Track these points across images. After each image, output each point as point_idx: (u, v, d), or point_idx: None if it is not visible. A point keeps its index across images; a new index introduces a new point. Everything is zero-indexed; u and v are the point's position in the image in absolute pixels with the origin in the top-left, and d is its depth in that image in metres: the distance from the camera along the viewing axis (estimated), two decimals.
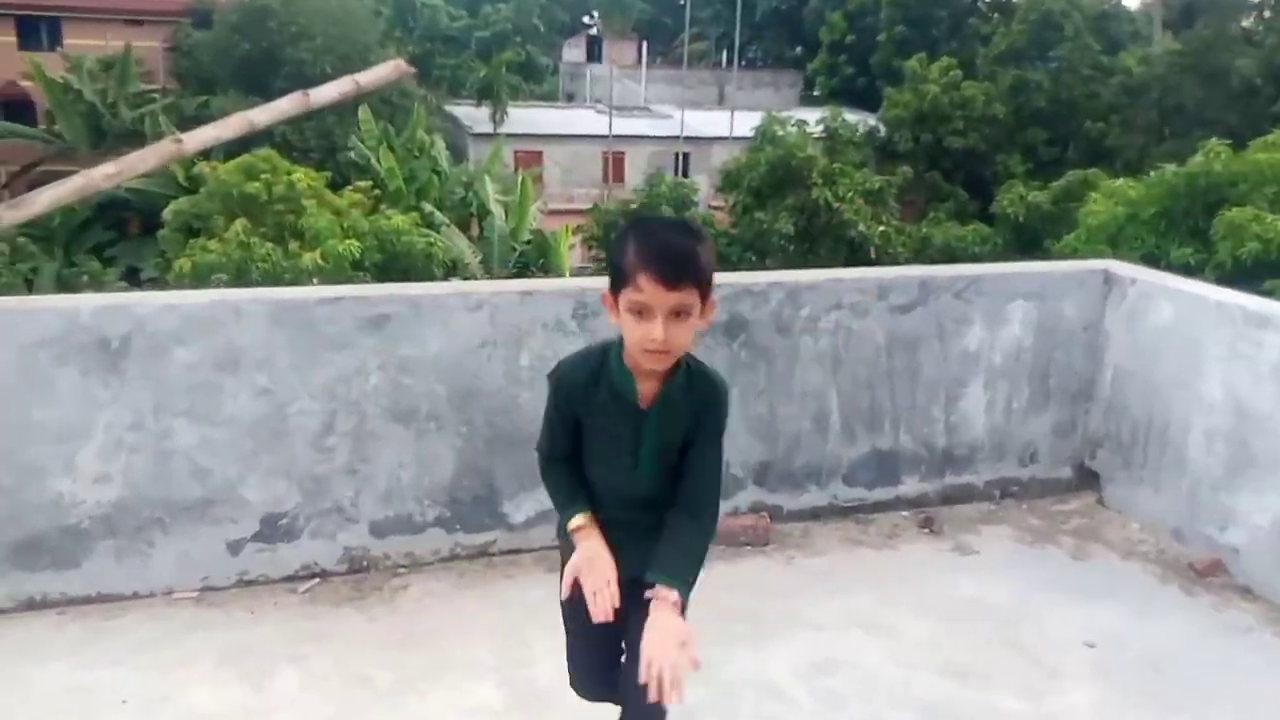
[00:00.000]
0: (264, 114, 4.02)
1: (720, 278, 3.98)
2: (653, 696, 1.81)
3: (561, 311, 3.69)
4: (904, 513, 4.22)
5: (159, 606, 3.35)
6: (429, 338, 3.47)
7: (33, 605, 3.28)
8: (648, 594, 1.96)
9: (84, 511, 3.26)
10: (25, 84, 30.81)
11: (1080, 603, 3.58)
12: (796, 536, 4.00)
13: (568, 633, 2.29)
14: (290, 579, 3.51)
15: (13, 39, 33.06)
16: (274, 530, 3.46)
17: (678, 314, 1.85)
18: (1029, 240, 16.61)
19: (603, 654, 2.24)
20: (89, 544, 3.29)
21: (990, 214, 17.47)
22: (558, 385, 2.04)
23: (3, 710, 2.79)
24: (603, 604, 1.95)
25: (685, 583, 1.99)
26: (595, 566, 2.00)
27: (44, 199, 3.30)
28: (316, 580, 3.52)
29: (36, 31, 33.64)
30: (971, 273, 4.19)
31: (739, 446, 3.95)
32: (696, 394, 2.01)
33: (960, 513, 4.27)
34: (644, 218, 2.10)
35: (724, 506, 3.93)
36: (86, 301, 3.20)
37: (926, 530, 4.12)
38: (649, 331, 1.84)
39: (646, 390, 1.99)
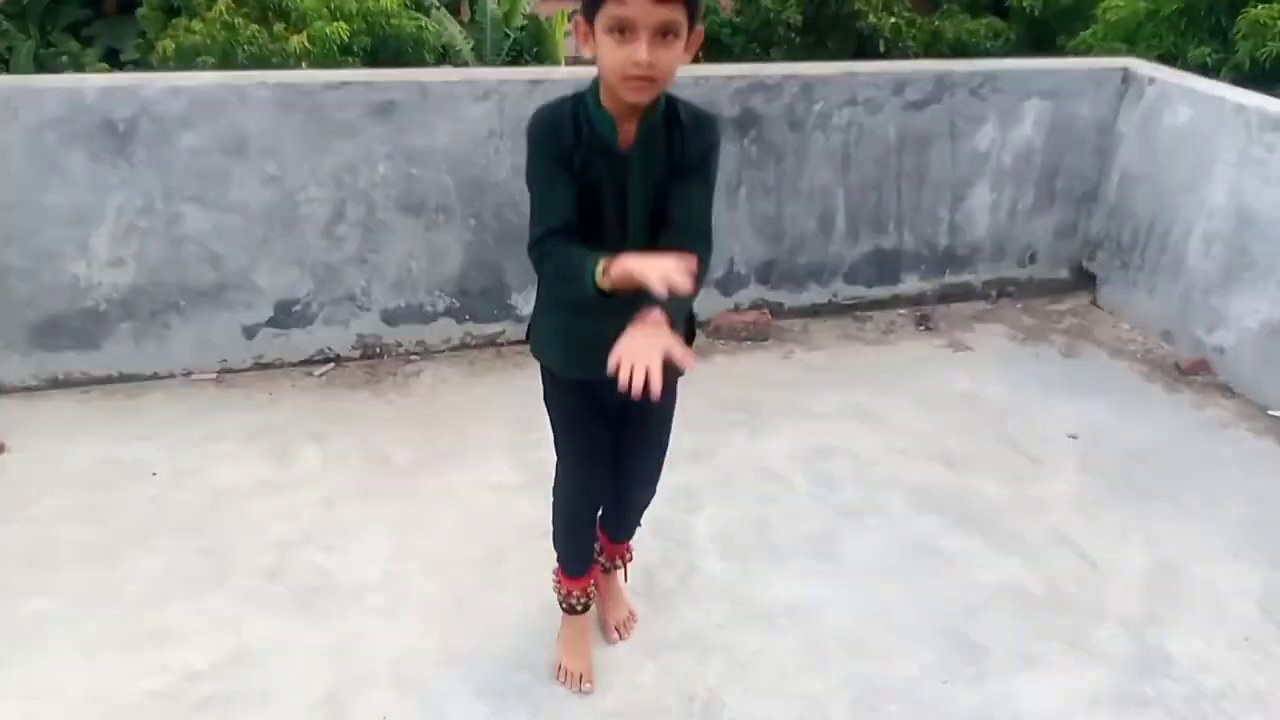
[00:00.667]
0: None
1: (732, 69, 3.93)
2: (623, 385, 1.55)
3: None
4: (902, 310, 4.31)
5: (179, 387, 3.47)
6: (437, 127, 3.43)
7: (57, 383, 3.39)
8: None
9: (100, 294, 3.32)
10: None
11: (1067, 398, 3.72)
12: (796, 332, 4.10)
13: (569, 421, 2.12)
14: (306, 363, 3.62)
15: None
16: (288, 316, 3.54)
17: (664, 34, 1.65)
18: (1045, 36, 15.95)
19: (601, 452, 2.14)
20: (107, 326, 3.37)
21: (1005, 6, 16.72)
22: (541, 132, 1.79)
23: (40, 480, 2.94)
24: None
25: (667, 307, 1.65)
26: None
27: None
28: (331, 365, 3.63)
29: None
30: (989, 69, 4.09)
31: (743, 244, 3.99)
32: (682, 130, 1.81)
33: (957, 311, 4.36)
34: None
35: (725, 302, 4.04)
36: (91, 82, 3.13)
37: (923, 327, 4.22)
38: (632, 54, 1.64)
39: (626, 133, 1.79)
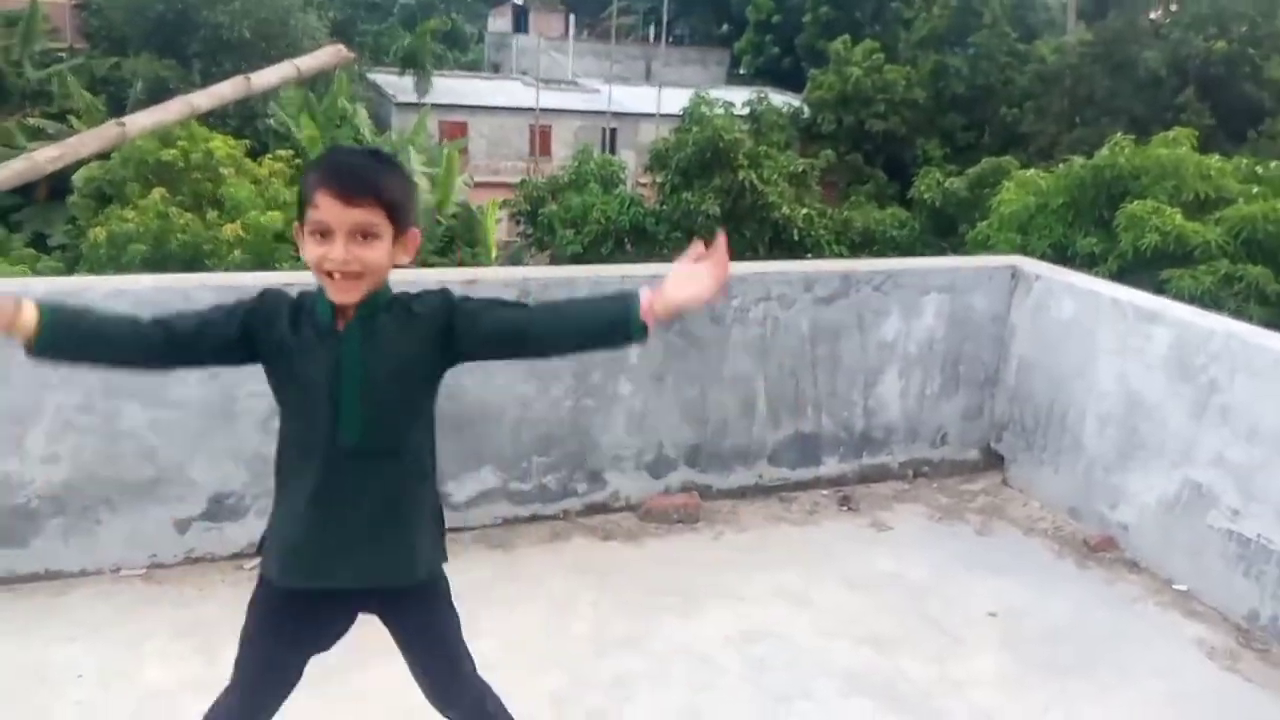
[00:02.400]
0: (205, 98, 4.05)
1: (655, 268, 4.19)
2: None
3: (505, 297, 3.83)
4: (824, 491, 4.48)
5: (107, 583, 3.42)
6: None
7: None
8: (643, 294, 1.85)
9: (32, 491, 3.32)
10: None
11: (985, 576, 3.87)
12: (725, 513, 4.23)
13: (252, 628, 2.08)
14: (236, 556, 3.61)
15: None
16: (221, 509, 3.55)
17: (363, 235, 1.75)
18: (945, 225, 17.16)
19: (281, 685, 2.08)
20: (37, 522, 3.35)
21: (909, 197, 17.96)
22: (262, 293, 1.88)
23: None
24: None
25: (635, 297, 1.86)
26: None
27: None
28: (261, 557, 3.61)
29: None
30: (889, 267, 4.45)
31: (671, 427, 4.16)
32: (423, 316, 1.87)
33: (876, 491, 4.55)
34: (331, 147, 2.07)
35: (655, 485, 4.17)
36: (36, 285, 3.24)
37: (845, 508, 4.39)
38: (329, 251, 1.74)
39: (343, 317, 1.84)
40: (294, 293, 1.90)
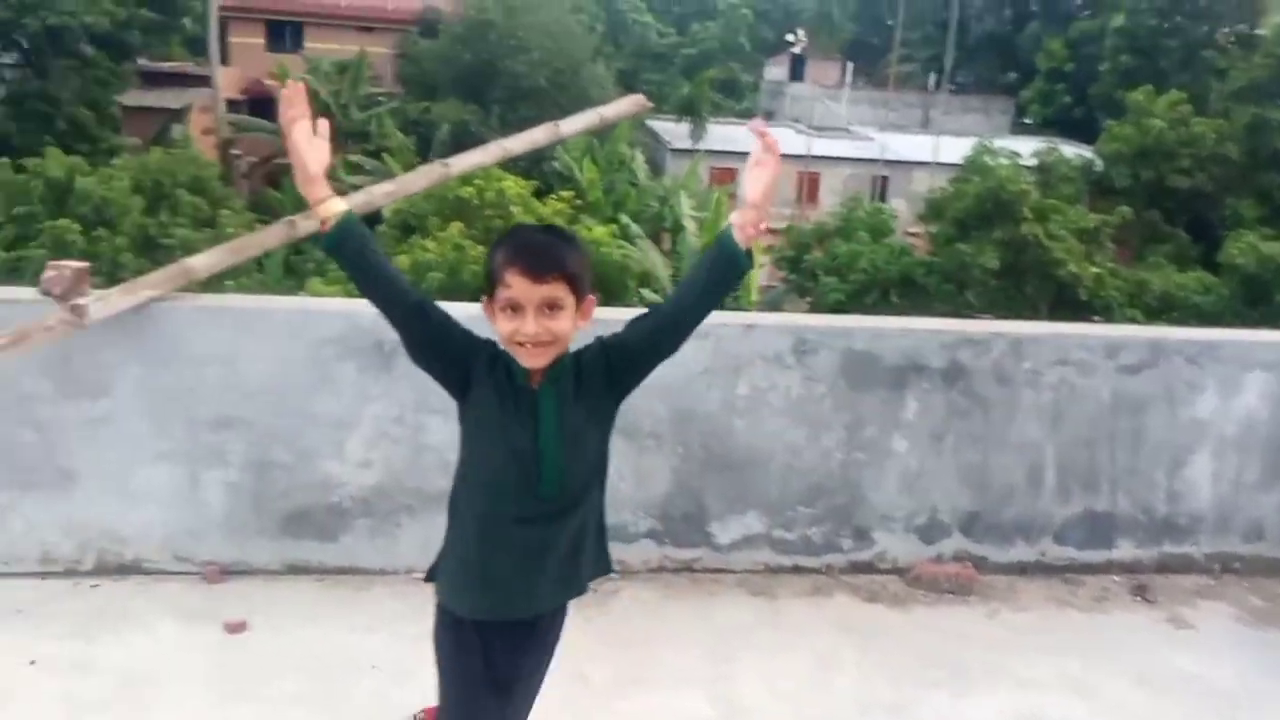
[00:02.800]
0: (518, 143, 4.34)
1: (939, 323, 4.07)
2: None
3: (780, 346, 3.84)
4: (1116, 577, 4.13)
5: (401, 584, 3.70)
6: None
7: (296, 570, 3.69)
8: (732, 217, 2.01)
9: (346, 492, 3.65)
10: (271, 83, 33.61)
11: None
12: (1001, 589, 3.99)
13: (452, 661, 2.17)
14: None
15: (261, 41, 36.09)
16: None
17: (550, 307, 1.91)
18: (1259, 293, 15.49)
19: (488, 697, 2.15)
20: (348, 521, 3.68)
21: (1215, 261, 16.38)
22: (477, 340, 2.04)
23: (275, 662, 3.17)
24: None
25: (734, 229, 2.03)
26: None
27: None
28: None
29: (282, 35, 36.54)
30: (1207, 337, 4.07)
31: (947, 492, 3.98)
32: (591, 371, 2.02)
33: (1176, 583, 4.13)
34: (515, 226, 2.16)
35: (926, 551, 4.01)
36: (367, 306, 3.57)
37: (1139, 598, 4.01)
38: (520, 325, 1.91)
39: (535, 379, 2.00)
40: (493, 346, 2.05)
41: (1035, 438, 3.99)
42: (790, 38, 57.54)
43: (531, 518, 2.03)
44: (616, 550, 3.84)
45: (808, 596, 3.83)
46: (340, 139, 29.56)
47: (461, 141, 27.49)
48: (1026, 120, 43.04)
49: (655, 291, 21.11)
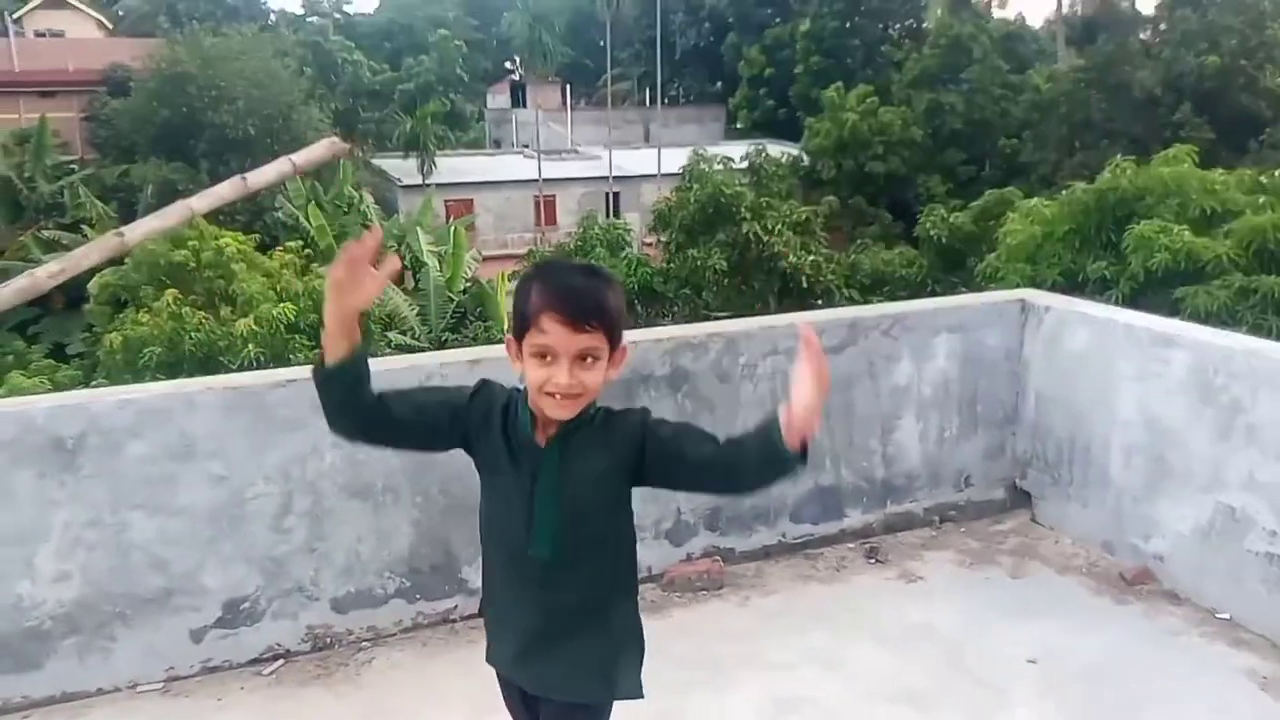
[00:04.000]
0: (203, 201, 4.09)
1: (661, 332, 4.17)
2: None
3: (510, 379, 3.80)
4: (850, 545, 4.38)
5: (124, 701, 3.36)
6: None
7: None
8: (782, 417, 1.78)
9: (44, 611, 3.27)
10: None
11: (1021, 620, 3.75)
12: (750, 576, 4.14)
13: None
14: (255, 661, 3.54)
15: None
16: (236, 614, 3.50)
17: (584, 358, 1.77)
18: (953, 260, 17.15)
19: None
20: (51, 644, 3.29)
21: (915, 236, 17.99)
22: (481, 385, 1.93)
23: None
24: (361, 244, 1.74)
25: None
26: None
27: None
28: (281, 661, 3.55)
29: None
30: (897, 310, 4.40)
31: (688, 493, 4.08)
32: (621, 437, 1.87)
33: (903, 540, 4.44)
34: (549, 261, 2.09)
35: (676, 553, 4.09)
36: (40, 403, 3.24)
37: (873, 560, 4.28)
38: (553, 375, 1.75)
39: (544, 432, 1.86)
40: (503, 394, 1.92)
41: None
42: (509, 64, 57.96)
43: (527, 578, 1.91)
44: (366, 616, 3.70)
45: None
46: (29, 215, 26.94)
47: (168, 201, 25.75)
48: (738, 125, 45.61)
49: (403, 333, 20.63)
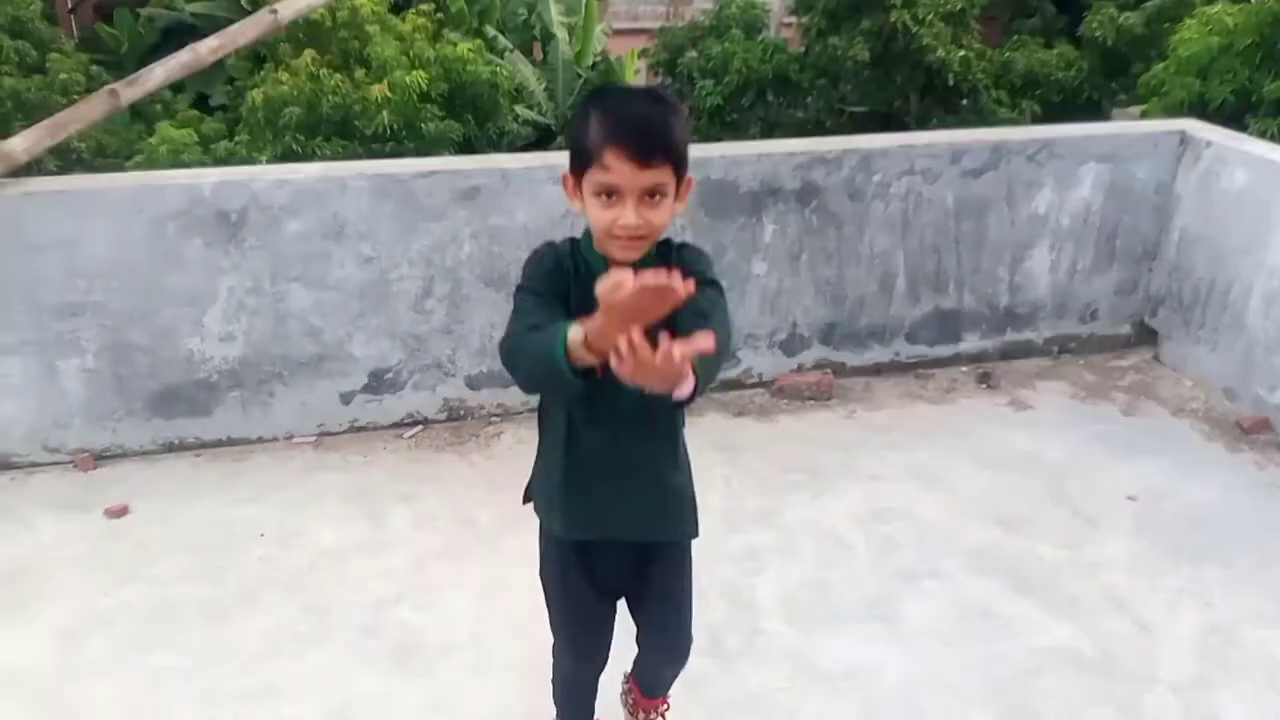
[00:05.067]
0: None
1: (793, 144, 4.11)
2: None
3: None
4: (963, 368, 4.43)
5: (281, 450, 3.76)
6: (516, 208, 3.68)
7: (172, 448, 3.71)
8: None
9: (213, 366, 3.63)
10: None
11: (1126, 458, 3.80)
12: (859, 391, 4.25)
13: (555, 583, 2.08)
14: (396, 425, 3.89)
15: None
16: (380, 383, 3.81)
17: (651, 194, 1.63)
18: (1118, 65, 15.80)
19: (600, 631, 2.10)
20: (218, 394, 3.67)
21: (1079, 35, 16.59)
22: (539, 263, 1.78)
23: (161, 541, 3.24)
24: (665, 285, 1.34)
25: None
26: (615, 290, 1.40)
27: (156, 75, 3.50)
28: (420, 427, 3.89)
29: None
30: (1045, 135, 4.21)
31: (805, 308, 4.16)
32: (686, 264, 1.74)
33: (1018, 368, 4.46)
34: (608, 87, 1.80)
35: (788, 363, 4.21)
36: (207, 176, 3.46)
37: (984, 385, 4.33)
38: (619, 216, 1.62)
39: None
40: (565, 247, 1.79)
41: (886, 247, 4.15)
42: None
43: (612, 429, 1.84)
44: (496, 395, 3.98)
45: None
46: None
47: None
48: None
49: (530, 107, 20.47)
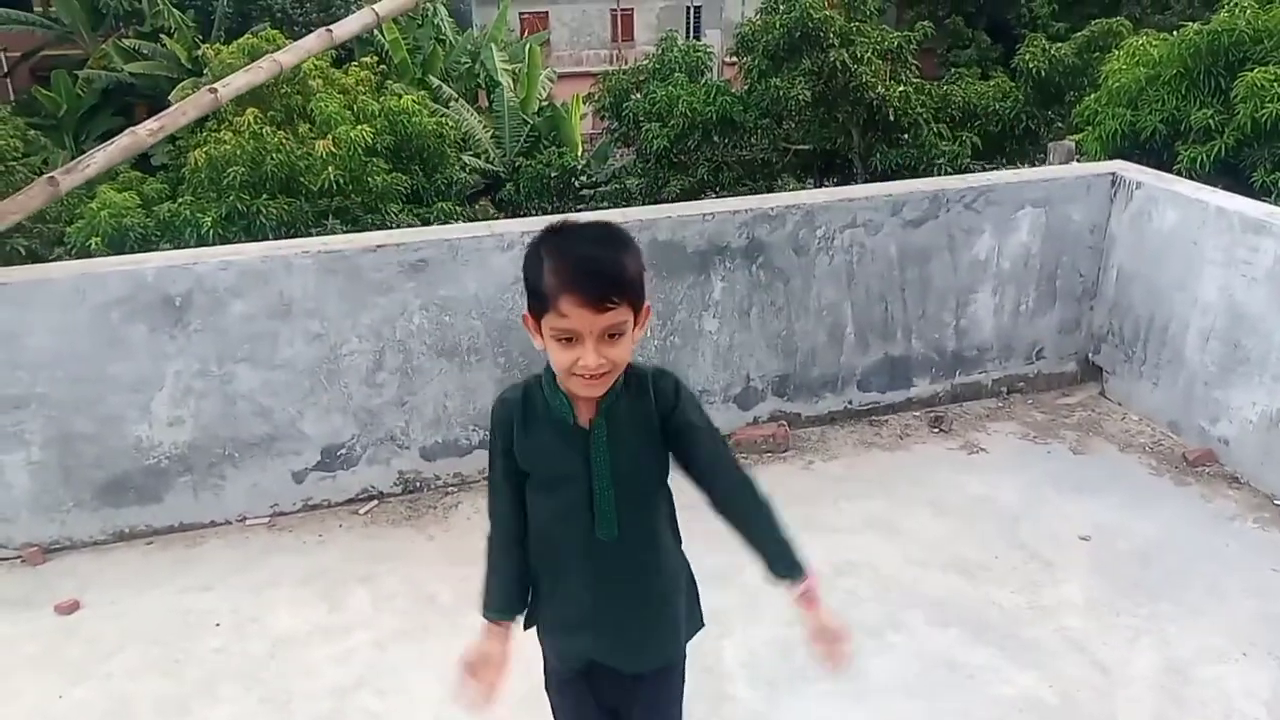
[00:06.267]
0: (290, 54, 4.13)
1: (738, 203, 4.17)
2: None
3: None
4: (916, 413, 4.49)
5: (235, 534, 3.70)
6: (466, 277, 3.69)
7: (123, 537, 3.64)
8: (792, 591, 1.87)
9: (161, 452, 3.58)
10: None
11: (1079, 496, 3.86)
12: (814, 441, 4.29)
13: (557, 706, 2.12)
14: (351, 501, 3.85)
15: None
16: (334, 459, 3.77)
17: (610, 335, 1.65)
18: (1051, 95, 16.23)
19: None
20: (168, 480, 3.62)
21: (1013, 66, 17.05)
22: (495, 415, 1.84)
23: (113, 636, 3.16)
24: (471, 700, 1.89)
25: (804, 565, 1.88)
26: (487, 666, 1.91)
27: (97, 161, 3.47)
28: (375, 502, 3.85)
29: None
30: (982, 183, 4.32)
31: (758, 361, 4.20)
32: (646, 397, 1.80)
33: (970, 410, 4.53)
34: (558, 226, 1.75)
35: (744, 417, 4.24)
36: (149, 261, 3.43)
37: (937, 429, 4.39)
38: (580, 357, 1.64)
39: (584, 411, 1.78)
40: (517, 391, 1.84)
41: (833, 299, 4.21)
42: None
43: (597, 562, 1.87)
44: (452, 464, 3.96)
45: None
46: (109, 23, 26.91)
47: (247, 13, 25.46)
48: None
49: (478, 155, 20.55)
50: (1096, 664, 3.02)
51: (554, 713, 2.12)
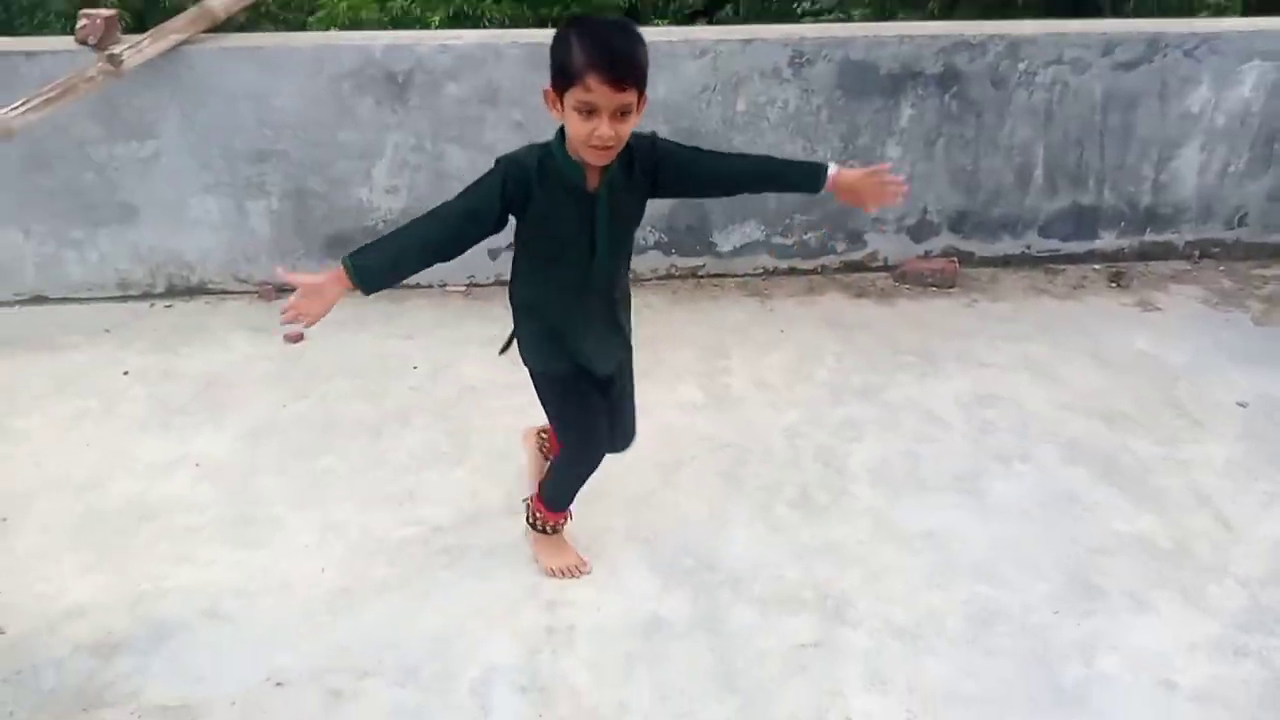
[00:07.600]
0: None
1: (936, 27, 4.12)
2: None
3: (778, 59, 3.96)
4: (1096, 266, 4.42)
5: (436, 295, 4.17)
6: (658, 82, 3.87)
7: None
8: (828, 185, 2.25)
9: (379, 215, 4.03)
10: None
11: (1249, 366, 3.77)
12: (983, 281, 4.32)
13: (564, 404, 2.48)
14: None
15: None
16: None
17: (622, 112, 1.97)
18: None
19: (599, 415, 2.51)
20: None
21: None
22: (507, 167, 2.12)
23: (330, 367, 3.71)
24: (290, 318, 2.07)
25: (820, 161, 2.31)
26: (319, 299, 2.08)
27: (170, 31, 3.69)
28: None
29: None
30: (1207, 30, 4.06)
31: (937, 195, 4.22)
32: (639, 165, 2.16)
33: (1153, 270, 4.42)
34: (584, 18, 2.07)
35: (915, 249, 4.32)
36: (379, 39, 3.78)
37: (1115, 285, 4.32)
38: (596, 128, 1.96)
39: (591, 178, 2.13)
40: (532, 157, 2.14)
41: (1026, 138, 4.15)
42: None
43: (589, 296, 2.29)
44: None
45: (801, 296, 4.22)
46: None
47: None
48: None
49: None
50: (1221, 519, 3.07)
51: (555, 400, 2.49)
